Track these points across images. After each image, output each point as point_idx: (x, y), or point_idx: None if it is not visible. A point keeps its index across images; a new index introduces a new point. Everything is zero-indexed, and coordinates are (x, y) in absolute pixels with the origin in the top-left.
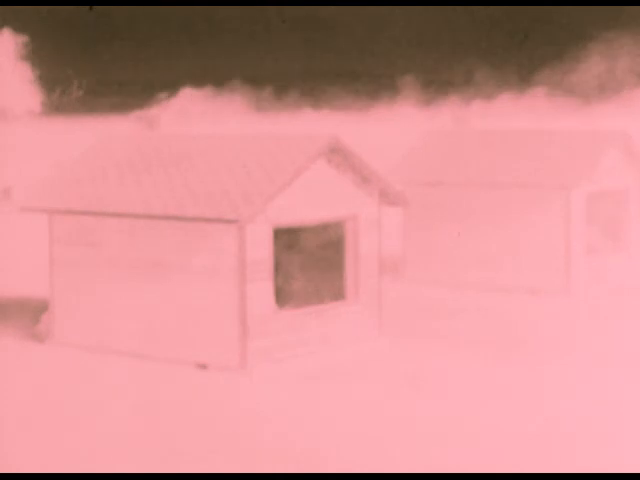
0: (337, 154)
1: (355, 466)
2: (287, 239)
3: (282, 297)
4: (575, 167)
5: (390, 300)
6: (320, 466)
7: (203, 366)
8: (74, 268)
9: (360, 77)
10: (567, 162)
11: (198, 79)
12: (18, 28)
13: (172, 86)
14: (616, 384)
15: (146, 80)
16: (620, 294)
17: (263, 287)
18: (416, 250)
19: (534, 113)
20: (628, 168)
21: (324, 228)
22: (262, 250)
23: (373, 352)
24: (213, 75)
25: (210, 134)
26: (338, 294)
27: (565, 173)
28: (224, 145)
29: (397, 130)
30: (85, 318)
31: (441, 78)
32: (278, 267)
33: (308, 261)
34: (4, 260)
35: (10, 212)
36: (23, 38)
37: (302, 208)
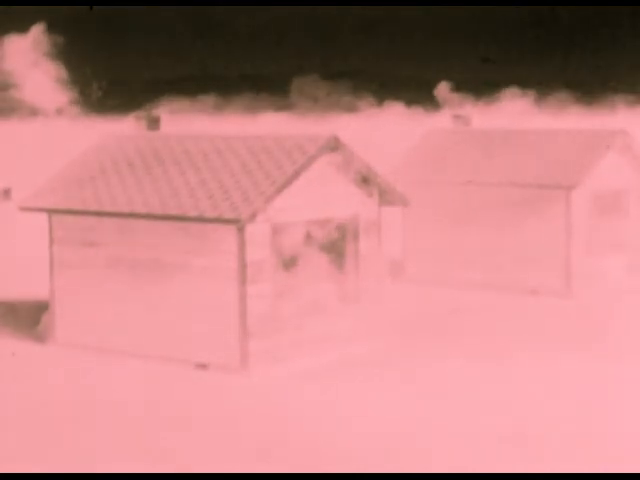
0: (337, 154)
1: (355, 466)
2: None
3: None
4: (575, 167)
5: (390, 300)
6: (320, 466)
7: (203, 366)
8: (74, 268)
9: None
10: (567, 162)
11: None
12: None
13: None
14: (616, 384)
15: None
16: (620, 294)
17: (263, 287)
18: (416, 250)
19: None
20: (628, 168)
21: (324, 227)
22: (262, 250)
23: (373, 352)
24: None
25: (210, 134)
26: (338, 294)
27: (565, 173)
28: (224, 145)
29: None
30: (85, 318)
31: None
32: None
33: (307, 260)
34: (4, 260)
35: (10, 212)
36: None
37: (302, 208)
